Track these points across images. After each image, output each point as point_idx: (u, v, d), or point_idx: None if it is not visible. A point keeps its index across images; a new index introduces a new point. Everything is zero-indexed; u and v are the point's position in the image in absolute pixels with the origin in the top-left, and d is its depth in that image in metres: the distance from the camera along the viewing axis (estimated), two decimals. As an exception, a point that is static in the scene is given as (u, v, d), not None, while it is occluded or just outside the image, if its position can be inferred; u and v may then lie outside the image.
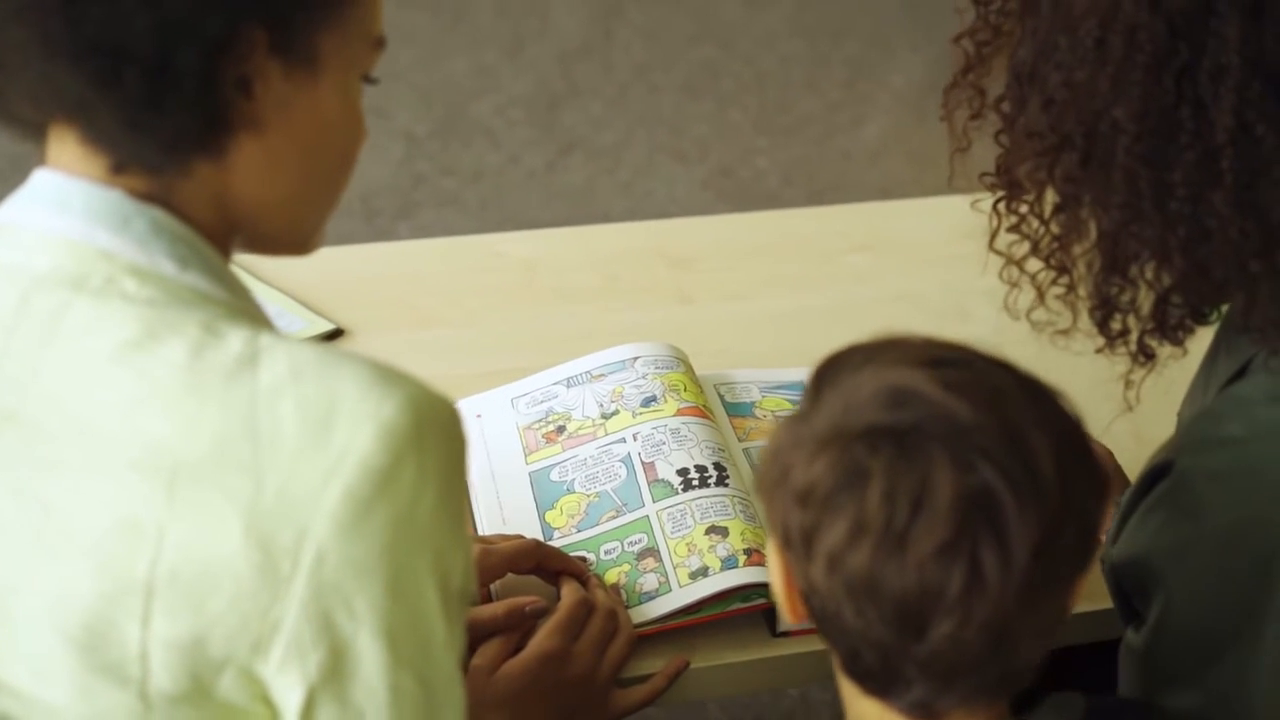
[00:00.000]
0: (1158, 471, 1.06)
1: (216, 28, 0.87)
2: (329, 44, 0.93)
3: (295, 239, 1.01)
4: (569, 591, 1.26)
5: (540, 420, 1.45)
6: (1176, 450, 1.06)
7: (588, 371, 1.48)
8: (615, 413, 1.43)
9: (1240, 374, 1.09)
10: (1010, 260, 1.14)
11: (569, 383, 1.48)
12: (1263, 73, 0.96)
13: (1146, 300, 1.06)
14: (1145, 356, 1.08)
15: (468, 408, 1.48)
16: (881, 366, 0.91)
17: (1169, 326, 1.06)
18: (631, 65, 3.64)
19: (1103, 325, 1.08)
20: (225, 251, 0.97)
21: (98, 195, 0.90)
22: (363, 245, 1.83)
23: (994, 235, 1.14)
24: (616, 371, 1.47)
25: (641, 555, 1.31)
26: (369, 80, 1.00)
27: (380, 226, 3.03)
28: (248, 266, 1.66)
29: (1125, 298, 1.06)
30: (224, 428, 0.85)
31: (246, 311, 0.93)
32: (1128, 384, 1.09)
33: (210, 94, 0.89)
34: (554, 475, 1.40)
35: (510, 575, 1.29)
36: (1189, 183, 0.98)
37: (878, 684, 0.93)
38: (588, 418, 1.44)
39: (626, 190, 3.23)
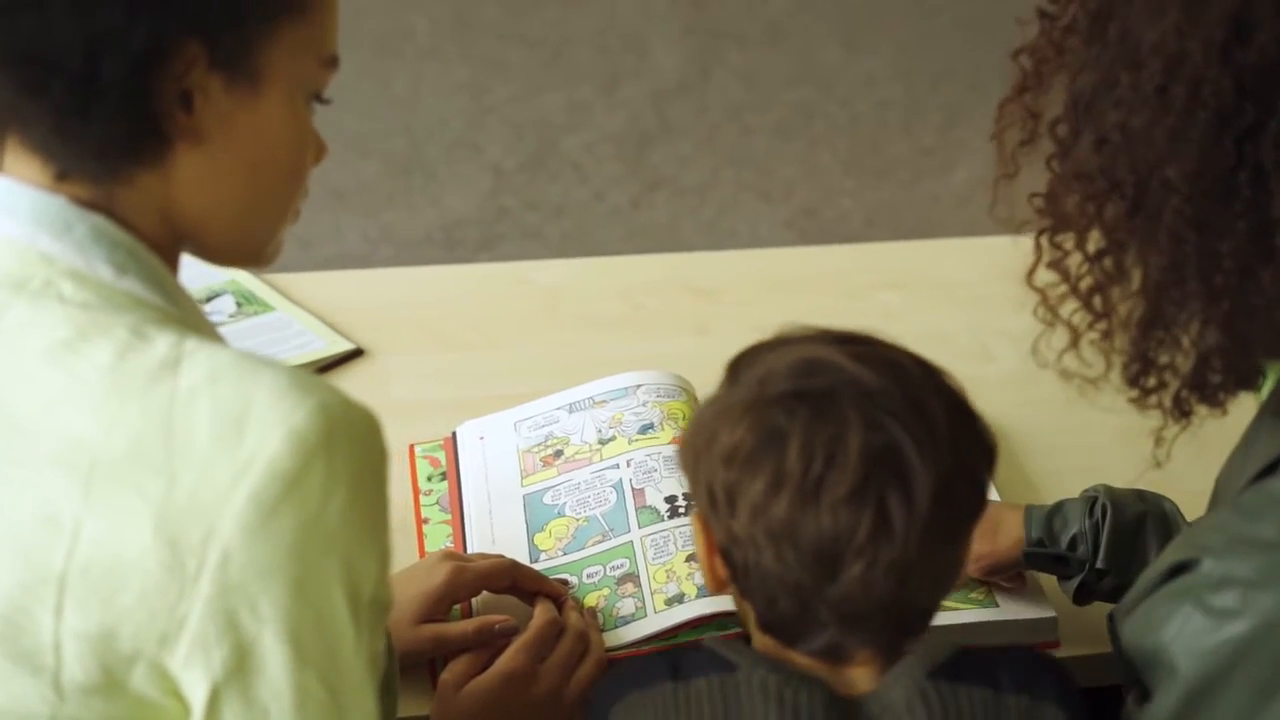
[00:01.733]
0: (1182, 565, 1.01)
1: (144, 41, 0.90)
2: (272, 60, 0.95)
3: (245, 251, 1.03)
4: (540, 612, 1.27)
5: (540, 444, 1.47)
6: (1203, 548, 1.00)
7: (590, 397, 1.49)
8: (612, 439, 1.44)
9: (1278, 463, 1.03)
10: (1046, 299, 1.06)
11: (571, 408, 1.49)
12: None
13: (1187, 358, 1.00)
14: (1181, 414, 1.01)
15: (472, 430, 1.50)
16: (794, 345, 1.03)
17: (1209, 389, 1.00)
18: (726, 105, 3.65)
19: (1136, 379, 1.02)
20: (172, 260, 0.99)
21: (42, 201, 0.94)
22: (392, 269, 1.86)
23: (1033, 269, 1.07)
24: (618, 398, 1.48)
25: (622, 580, 1.32)
26: (320, 100, 1.02)
27: (460, 256, 3.07)
28: (277, 285, 1.70)
29: (1164, 355, 1.00)
30: (142, 428, 0.87)
31: (183, 319, 0.95)
32: (1158, 440, 1.03)
33: (140, 106, 0.91)
34: (546, 499, 1.41)
35: (489, 595, 1.31)
36: (1238, 254, 0.93)
37: (790, 632, 1.01)
38: (585, 443, 1.45)
39: (710, 228, 3.24)
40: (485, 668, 1.24)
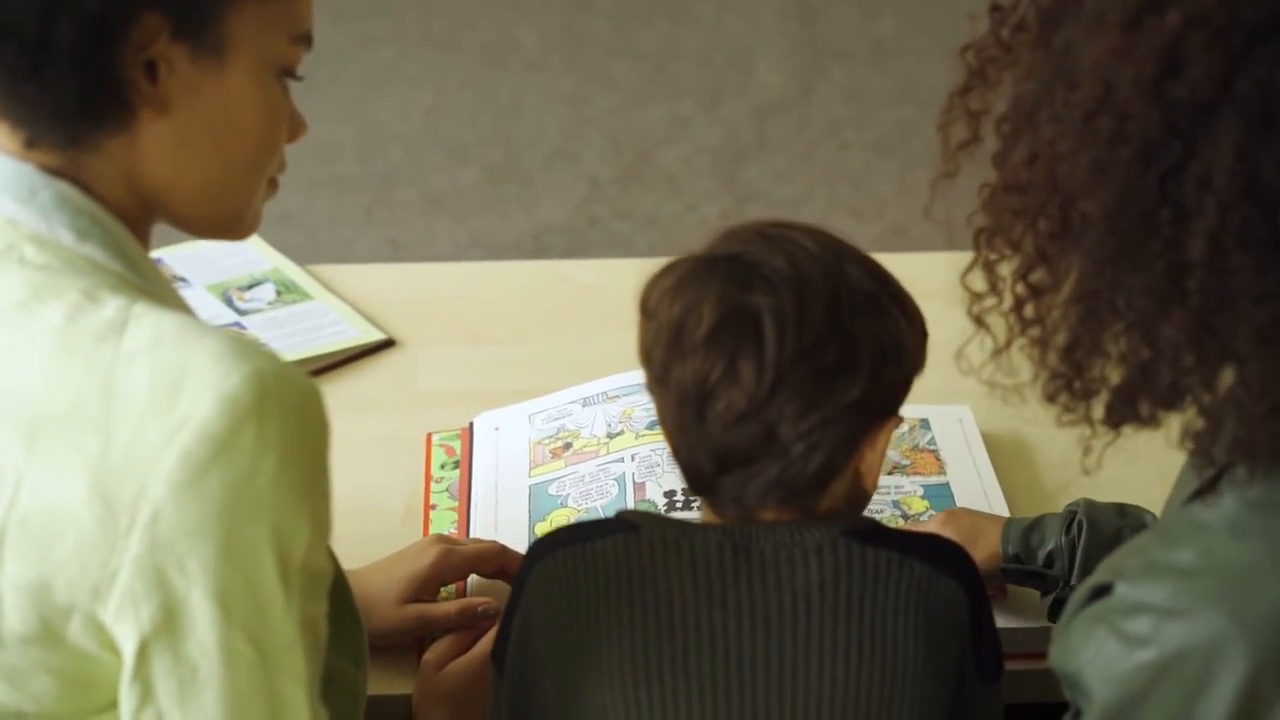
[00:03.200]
0: (1100, 589, 0.98)
1: (97, 7, 0.93)
2: (238, 33, 0.98)
3: (218, 221, 1.06)
4: None
5: (551, 436, 1.49)
6: (1120, 572, 0.97)
7: (604, 392, 1.51)
8: (620, 433, 1.46)
9: (1214, 483, 0.99)
10: (977, 298, 1.03)
11: (585, 402, 1.51)
12: (1254, 195, 0.86)
13: (1117, 370, 0.96)
14: (1111, 424, 0.97)
15: (489, 421, 1.52)
16: (750, 229, 1.11)
17: (1133, 407, 0.96)
18: (826, 122, 3.65)
19: (1061, 390, 0.98)
20: (140, 228, 1.02)
21: (9, 167, 0.97)
22: (433, 264, 1.89)
23: (969, 268, 1.04)
24: (631, 394, 1.49)
25: (613, 570, 1.33)
26: (292, 76, 1.04)
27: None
28: (320, 275, 1.74)
29: (1094, 367, 0.96)
30: (83, 387, 0.90)
31: (143, 286, 0.98)
32: (1087, 449, 0.99)
33: (98, 71, 0.94)
34: (551, 489, 1.43)
35: (479, 579, 1.33)
36: (1152, 292, 0.90)
37: (696, 483, 1.10)
38: (594, 436, 1.47)
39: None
40: (469, 649, 1.26)
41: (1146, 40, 0.87)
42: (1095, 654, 0.96)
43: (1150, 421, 0.96)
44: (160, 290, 1.01)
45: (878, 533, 1.11)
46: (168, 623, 0.91)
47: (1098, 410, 0.97)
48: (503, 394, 1.57)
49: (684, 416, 1.07)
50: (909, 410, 1.52)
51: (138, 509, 0.89)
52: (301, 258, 3.16)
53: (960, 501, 1.44)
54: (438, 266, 1.91)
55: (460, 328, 1.69)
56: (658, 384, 1.09)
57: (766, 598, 1.07)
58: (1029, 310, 0.98)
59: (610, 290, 1.75)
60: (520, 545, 1.37)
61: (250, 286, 1.70)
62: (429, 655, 1.26)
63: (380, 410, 1.58)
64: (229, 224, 1.06)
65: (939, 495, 1.44)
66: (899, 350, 1.09)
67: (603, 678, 1.07)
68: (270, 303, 1.68)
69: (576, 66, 3.83)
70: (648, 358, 1.09)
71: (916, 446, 1.50)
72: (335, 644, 1.10)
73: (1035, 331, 0.98)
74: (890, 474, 1.47)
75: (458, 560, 1.30)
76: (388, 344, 1.65)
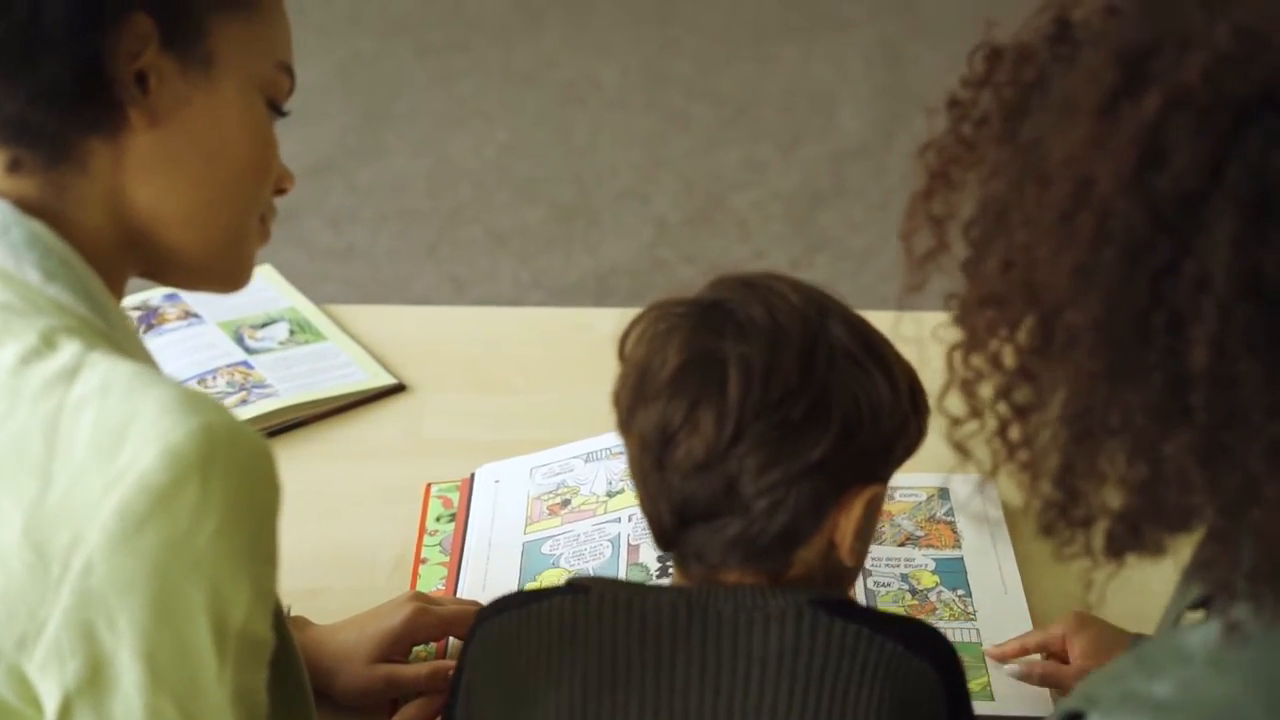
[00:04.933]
0: (1074, 716, 0.89)
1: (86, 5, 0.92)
2: (225, 49, 0.98)
3: (206, 258, 1.03)
4: None
5: (550, 492, 1.44)
6: (1094, 700, 0.88)
7: (608, 448, 1.46)
8: (620, 491, 1.41)
9: (1205, 604, 0.91)
10: (956, 423, 0.90)
11: (588, 457, 1.46)
12: (1257, 293, 0.76)
13: (1116, 494, 0.85)
14: (1113, 554, 0.86)
15: (489, 473, 1.48)
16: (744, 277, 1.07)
17: (1137, 534, 0.85)
18: (905, 171, 3.57)
19: (1063, 515, 0.86)
20: (115, 271, 1.00)
21: None
22: (453, 307, 1.86)
23: (945, 390, 0.92)
24: (635, 451, 1.44)
25: (598, 637, 1.27)
26: (277, 110, 1.02)
27: (608, 305, 3.06)
28: (338, 316, 1.71)
29: (1090, 496, 0.85)
30: (27, 430, 0.87)
31: (105, 331, 0.95)
32: (1089, 584, 0.88)
33: (87, 63, 0.93)
34: (545, 548, 1.38)
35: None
36: (1150, 410, 0.79)
37: (665, 541, 1.05)
38: (594, 494, 1.42)
39: (867, 294, 3.15)
40: (439, 713, 1.21)
41: (1124, 128, 0.78)
42: None
43: (1156, 550, 0.86)
44: (124, 337, 0.97)
45: (849, 606, 1.04)
46: (93, 680, 0.87)
47: (1098, 539, 0.86)
48: (510, 445, 1.52)
49: (646, 463, 1.03)
50: (928, 480, 1.48)
51: (71, 559, 0.85)
52: (360, 293, 3.18)
53: (973, 578, 1.36)
54: (457, 310, 1.88)
55: (472, 375, 1.64)
56: (623, 429, 1.05)
57: (720, 661, 1.01)
58: (1014, 433, 0.87)
59: (634, 340, 1.70)
60: (506, 605, 1.33)
61: (264, 325, 1.66)
62: (397, 718, 1.21)
63: (382, 457, 1.54)
64: (217, 263, 1.03)
65: (951, 570, 1.37)
66: (875, 413, 1.03)
67: None
68: (282, 342, 1.64)
69: (656, 107, 3.79)
70: (616, 401, 1.05)
71: (933, 517, 1.43)
72: (287, 717, 1.06)
73: (1024, 456, 0.87)
74: (902, 545, 1.40)
75: (432, 620, 1.25)
76: (397, 389, 1.61)
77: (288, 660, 1.06)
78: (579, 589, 1.05)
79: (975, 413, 0.89)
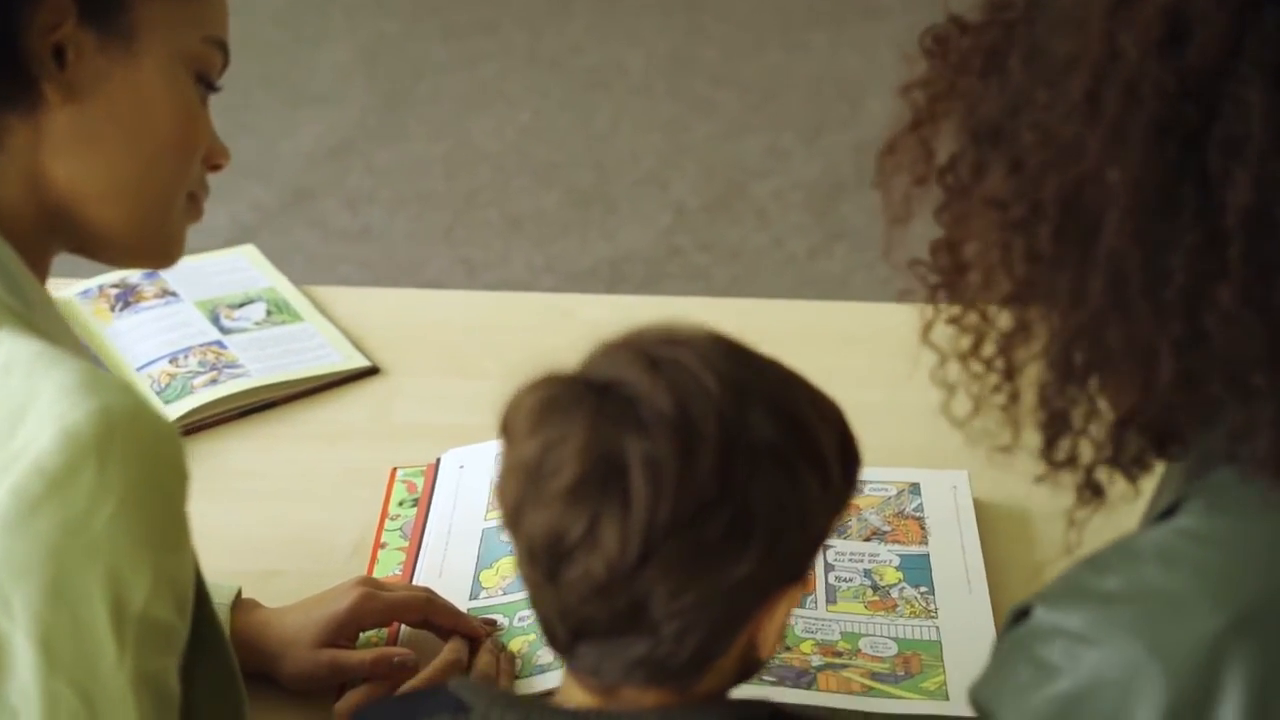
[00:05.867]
0: (1021, 612, 0.91)
1: None
2: (149, 22, 0.97)
3: (130, 237, 1.02)
4: (448, 650, 1.22)
5: (513, 479, 1.42)
6: (1042, 595, 0.90)
7: (574, 436, 1.44)
8: (583, 480, 1.39)
9: (1168, 515, 0.92)
10: (945, 358, 0.96)
11: (554, 445, 1.44)
12: None
13: (1102, 425, 0.90)
14: (1093, 492, 0.91)
15: (455, 458, 1.46)
16: (649, 334, 0.94)
17: (1126, 457, 0.90)
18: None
19: (1048, 447, 0.91)
20: (37, 247, 0.99)
21: None
22: (437, 291, 1.84)
23: (928, 326, 0.97)
24: (600, 439, 1.42)
25: (549, 627, 1.26)
26: (210, 86, 1.01)
27: (622, 293, 3.04)
28: (318, 297, 1.69)
29: (1079, 413, 0.89)
30: None
31: (21, 311, 0.94)
32: (1071, 522, 0.93)
33: (1, 49, 0.92)
34: (504, 535, 1.36)
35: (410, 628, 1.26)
36: (1189, 269, 0.82)
37: (557, 648, 0.94)
38: (556, 481, 1.39)
39: (885, 285, 3.13)
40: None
41: (1146, 8, 0.82)
42: (1005, 682, 0.88)
43: (1135, 478, 0.90)
44: (42, 317, 0.96)
45: None
46: None
47: (1079, 475, 0.90)
48: (479, 430, 1.49)
49: (535, 574, 0.90)
50: (899, 474, 1.46)
51: None
52: (374, 274, 3.18)
53: (937, 575, 1.34)
54: (441, 294, 1.87)
55: (450, 359, 1.63)
56: (509, 526, 0.92)
57: None
58: (999, 364, 0.91)
59: (614, 328, 1.68)
60: (462, 593, 1.32)
61: (242, 305, 1.65)
62: (340, 704, 1.20)
63: (350, 440, 1.52)
64: (142, 241, 1.03)
65: (916, 567, 1.35)
66: (803, 515, 0.91)
67: None
68: (258, 322, 1.63)
69: (680, 93, 3.77)
70: (500, 491, 0.92)
71: (901, 513, 1.41)
72: (215, 708, 1.05)
73: (1009, 388, 0.91)
74: (868, 540, 1.38)
75: (379, 606, 1.24)
76: (371, 371, 1.59)
77: (216, 645, 1.05)
78: (461, 707, 0.95)
79: (964, 331, 0.93)
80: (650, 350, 0.91)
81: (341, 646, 1.23)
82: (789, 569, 0.93)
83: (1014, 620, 0.91)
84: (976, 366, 0.95)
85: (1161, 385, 0.85)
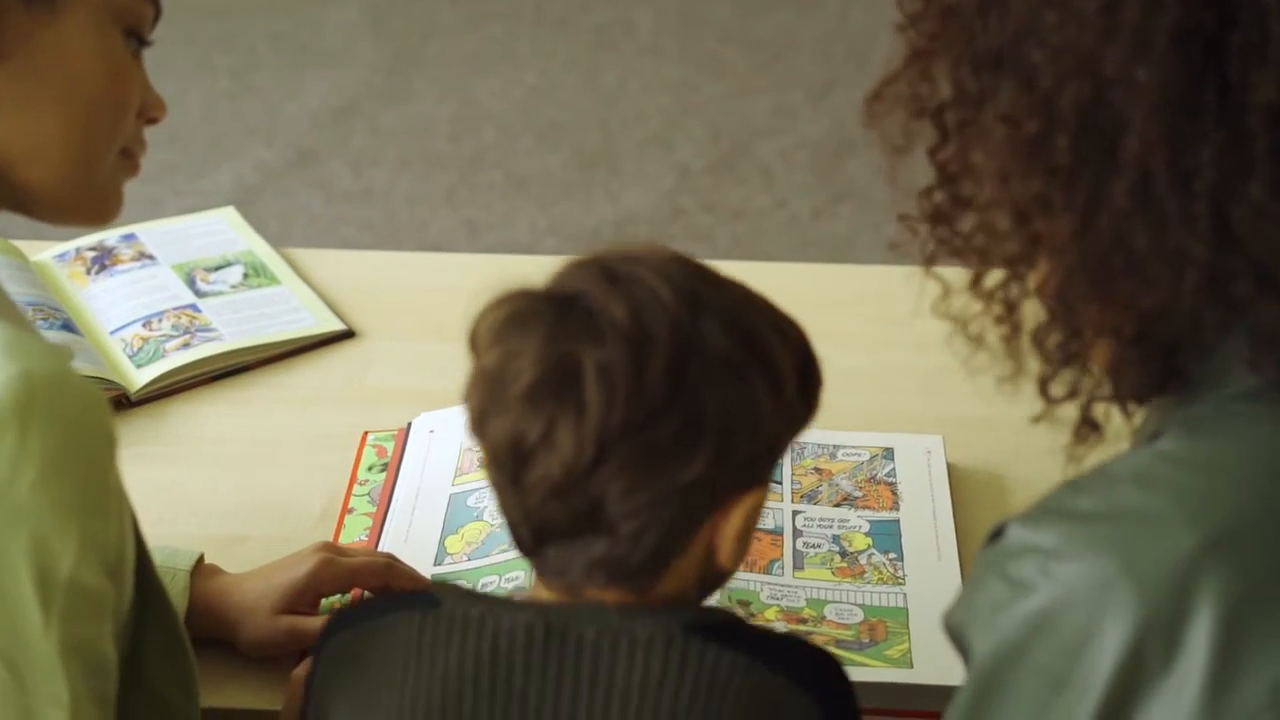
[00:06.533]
0: (996, 531, 0.91)
1: None
2: None
3: (63, 195, 1.01)
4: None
5: (483, 443, 1.41)
6: (1019, 515, 0.90)
7: (544, 400, 1.43)
8: (551, 445, 1.37)
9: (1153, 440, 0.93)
10: (949, 291, 0.97)
11: (524, 409, 1.43)
12: None
13: (1102, 357, 0.91)
14: (1090, 428, 0.92)
15: (426, 422, 1.45)
16: (616, 252, 0.97)
17: (1124, 390, 0.91)
18: (939, 120, 3.51)
19: (1048, 380, 0.92)
20: None
21: None
22: (419, 254, 1.83)
23: (930, 258, 0.97)
24: (570, 403, 1.41)
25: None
26: (142, 40, 1.00)
27: (624, 254, 3.03)
28: (296, 260, 1.69)
29: (1080, 344, 0.90)
30: None
31: None
32: (1070, 458, 0.93)
33: None
34: (470, 500, 1.36)
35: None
36: (1217, 166, 0.82)
37: (525, 551, 0.97)
38: (525, 447, 1.39)
39: (890, 247, 3.11)
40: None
41: None
42: (977, 602, 0.87)
43: (1130, 414, 0.90)
44: None
45: (727, 630, 0.95)
46: None
47: (1080, 407, 0.90)
48: (455, 394, 1.48)
49: (500, 477, 0.95)
50: (873, 439, 1.44)
51: None
52: (376, 236, 3.17)
53: (907, 541, 1.33)
54: (424, 257, 1.85)
55: (425, 322, 1.61)
56: (475, 433, 0.97)
57: (577, 694, 0.93)
58: (1002, 295, 0.91)
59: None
60: (427, 558, 1.31)
61: (219, 268, 1.64)
62: (298, 670, 1.19)
63: (324, 404, 1.51)
64: (75, 199, 1.02)
65: (885, 533, 1.34)
66: (756, 424, 0.94)
67: None
68: (234, 285, 1.62)
69: (688, 52, 3.74)
70: (467, 399, 0.97)
71: (874, 478, 1.39)
72: (164, 674, 1.05)
73: (1013, 320, 0.91)
74: (838, 505, 1.36)
75: (339, 572, 1.23)
76: (346, 335, 1.58)
77: (161, 610, 1.05)
78: (430, 603, 0.97)
79: (966, 263, 0.92)
80: (610, 265, 0.95)
81: (302, 613, 1.23)
82: (742, 474, 0.95)
83: (990, 540, 0.90)
84: (978, 301, 0.94)
85: (1188, 288, 0.85)
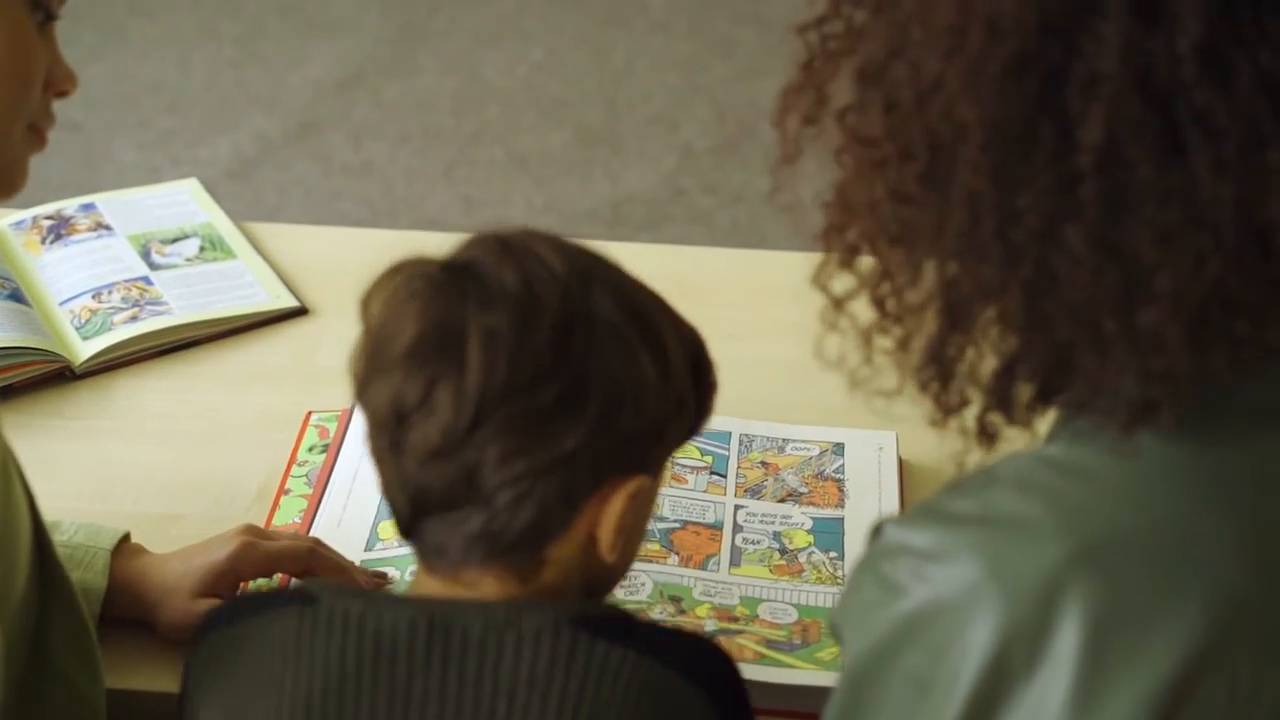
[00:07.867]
0: (875, 531, 0.89)
1: None
2: None
3: None
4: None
5: (424, 427, 1.38)
6: (898, 515, 0.91)
7: (489, 385, 1.40)
8: (491, 431, 1.35)
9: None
10: (833, 301, 0.94)
11: (468, 393, 1.40)
12: (1146, 89, 0.78)
13: (988, 368, 0.87)
14: (986, 436, 0.89)
15: (370, 404, 1.42)
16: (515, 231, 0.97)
17: (1011, 404, 0.87)
18: (949, 106, 3.47)
19: (939, 394, 0.89)
20: None
21: None
22: (390, 231, 1.81)
23: (822, 266, 0.95)
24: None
25: (440, 582, 1.23)
26: (46, 13, 0.99)
27: (621, 235, 2.99)
28: (255, 235, 1.66)
29: (963, 362, 0.87)
30: None
31: None
32: (959, 466, 0.90)
33: None
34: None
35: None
36: (1040, 210, 0.80)
37: (404, 528, 0.97)
38: (465, 431, 1.36)
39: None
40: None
41: None
42: (853, 602, 0.86)
43: (1028, 422, 0.87)
44: None
45: (616, 624, 0.94)
46: None
47: (970, 419, 0.87)
48: (403, 376, 1.47)
49: (381, 444, 0.94)
50: (822, 434, 1.41)
51: None
52: (372, 212, 3.14)
53: (850, 540, 1.30)
54: (393, 234, 1.82)
55: (381, 301, 1.59)
56: (359, 400, 0.96)
57: (462, 691, 0.91)
58: (891, 305, 0.89)
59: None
60: (359, 544, 1.29)
61: (175, 240, 1.62)
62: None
63: (270, 382, 1.49)
64: None
65: (828, 530, 1.31)
66: (639, 397, 0.93)
67: None
68: (189, 259, 1.60)
69: (699, 31, 3.70)
70: (352, 368, 0.96)
71: (821, 474, 1.36)
72: (67, 655, 1.04)
73: (898, 331, 0.89)
74: (782, 501, 1.34)
75: (260, 555, 1.20)
76: (300, 312, 1.56)
77: (62, 592, 1.03)
78: (308, 599, 0.95)
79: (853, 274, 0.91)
80: (505, 238, 0.95)
81: (222, 597, 1.20)
82: (624, 454, 0.94)
83: (869, 540, 0.89)
84: (866, 310, 0.91)
85: (1016, 332, 0.83)
